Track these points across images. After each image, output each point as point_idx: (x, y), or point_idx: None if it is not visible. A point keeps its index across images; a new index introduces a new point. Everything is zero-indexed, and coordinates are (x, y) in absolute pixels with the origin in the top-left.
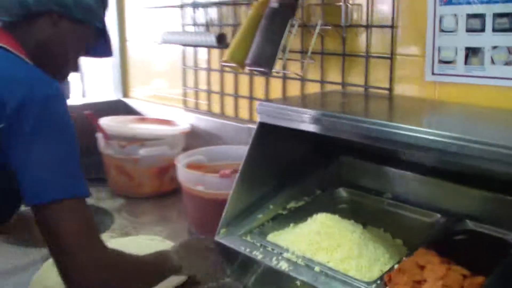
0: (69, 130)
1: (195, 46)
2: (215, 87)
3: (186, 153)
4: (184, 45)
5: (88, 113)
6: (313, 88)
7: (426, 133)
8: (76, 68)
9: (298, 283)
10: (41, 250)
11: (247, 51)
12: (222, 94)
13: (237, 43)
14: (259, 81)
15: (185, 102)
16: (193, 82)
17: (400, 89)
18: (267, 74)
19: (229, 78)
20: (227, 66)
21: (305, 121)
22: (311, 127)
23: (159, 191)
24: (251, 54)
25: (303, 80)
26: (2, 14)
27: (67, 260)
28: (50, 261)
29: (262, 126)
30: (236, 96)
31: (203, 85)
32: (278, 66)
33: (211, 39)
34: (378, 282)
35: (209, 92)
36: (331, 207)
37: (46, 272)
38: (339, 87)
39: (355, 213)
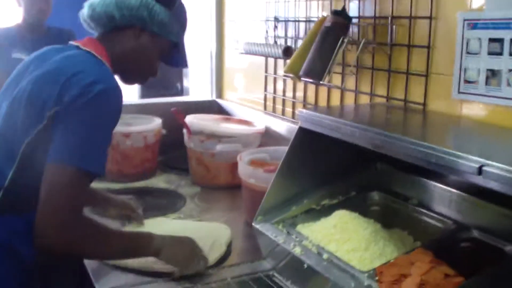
0: (107, 120)
1: (267, 56)
2: (288, 93)
3: (251, 150)
4: (258, 55)
5: (174, 110)
6: (360, 99)
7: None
8: (154, 73)
9: (305, 265)
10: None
11: (303, 63)
12: (293, 100)
13: (296, 56)
14: (322, 89)
15: (265, 106)
16: (272, 88)
17: (433, 105)
18: (318, 84)
19: (300, 86)
20: (287, 76)
21: (341, 131)
22: (347, 138)
23: (231, 183)
24: (304, 66)
25: (344, 90)
26: (96, 27)
27: (40, 217)
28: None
29: (302, 130)
30: (304, 103)
31: (280, 91)
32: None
33: (278, 51)
34: (371, 272)
35: (283, 97)
36: (363, 208)
37: None
38: (383, 100)
39: (384, 215)
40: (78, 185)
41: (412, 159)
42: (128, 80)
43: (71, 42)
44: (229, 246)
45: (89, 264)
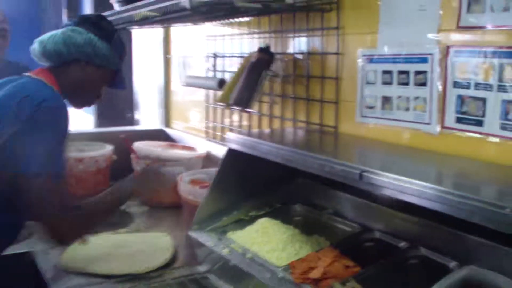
0: (60, 131)
1: (204, 88)
2: (227, 121)
3: (191, 172)
4: (197, 87)
5: (123, 136)
6: (286, 124)
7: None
8: (99, 97)
9: (230, 263)
10: None
11: (232, 94)
12: (230, 127)
13: (227, 87)
14: (254, 117)
15: (206, 133)
16: (211, 117)
17: (343, 128)
18: (244, 112)
19: (237, 114)
20: (219, 105)
21: (260, 150)
22: (264, 155)
23: (176, 203)
24: (233, 96)
25: (271, 116)
26: (46, 61)
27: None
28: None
29: (230, 151)
30: (239, 129)
31: (219, 120)
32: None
33: (213, 83)
34: (286, 266)
35: (222, 125)
36: (287, 218)
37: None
38: (303, 124)
39: (305, 223)
40: (57, 185)
41: (313, 169)
42: (77, 105)
43: (25, 73)
44: (174, 254)
45: (45, 269)
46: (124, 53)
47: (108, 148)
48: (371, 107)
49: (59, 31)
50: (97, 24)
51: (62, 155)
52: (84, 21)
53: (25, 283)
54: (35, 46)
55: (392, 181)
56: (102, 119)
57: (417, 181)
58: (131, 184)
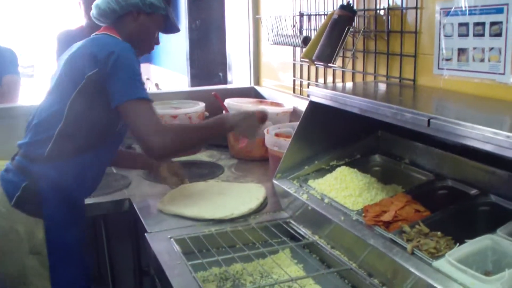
0: (134, 67)
1: (290, 45)
2: (312, 77)
3: (277, 125)
4: (283, 45)
5: (214, 93)
6: (367, 79)
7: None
8: (157, 43)
9: (309, 208)
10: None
11: (315, 51)
12: (316, 83)
13: (310, 44)
14: (339, 73)
15: (293, 89)
16: (298, 74)
17: (421, 80)
18: (327, 67)
19: (325, 71)
20: (304, 61)
21: (341, 102)
22: (342, 106)
23: (264, 156)
24: (316, 52)
25: (353, 71)
26: (105, 20)
27: (149, 136)
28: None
29: (311, 103)
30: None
31: (305, 76)
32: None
33: (298, 41)
34: (359, 210)
35: (308, 81)
36: (366, 168)
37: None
38: (384, 78)
39: (383, 173)
40: (148, 109)
41: (386, 118)
42: (139, 53)
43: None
44: (265, 200)
45: (142, 213)
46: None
47: (201, 105)
48: (448, 60)
49: None
50: None
51: (142, 86)
52: None
53: (124, 227)
54: (93, 10)
55: (460, 127)
56: (196, 79)
57: (485, 128)
58: (238, 121)
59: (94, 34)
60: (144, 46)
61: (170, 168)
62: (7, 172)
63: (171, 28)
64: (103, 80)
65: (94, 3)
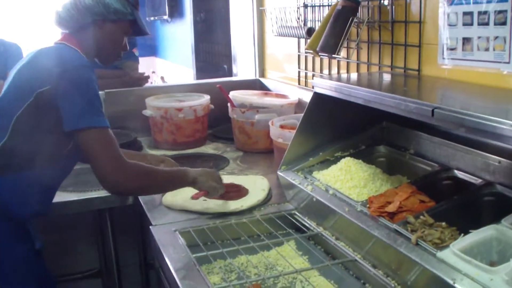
0: (92, 88)
1: (295, 37)
2: (317, 68)
3: (282, 117)
4: (288, 36)
5: (219, 86)
6: (371, 68)
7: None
8: (124, 49)
9: (314, 199)
10: None
11: (319, 42)
12: (321, 74)
13: (315, 35)
14: (343, 63)
15: (298, 81)
16: (303, 65)
17: (425, 70)
18: (332, 58)
19: (330, 62)
20: (308, 52)
21: (345, 93)
22: (349, 98)
23: (269, 148)
24: (320, 43)
25: (358, 62)
26: (65, 28)
27: (98, 170)
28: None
29: (316, 94)
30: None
31: (310, 68)
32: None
33: (303, 32)
34: (364, 201)
35: (313, 73)
36: (371, 159)
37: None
38: (388, 69)
39: (388, 164)
40: (107, 139)
41: (390, 108)
42: (105, 61)
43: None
44: (269, 191)
45: (148, 207)
46: (136, 2)
47: (206, 98)
48: (452, 49)
49: None
50: None
51: (98, 110)
52: None
53: (130, 221)
54: (52, 16)
55: (464, 117)
56: (201, 72)
57: (490, 117)
58: (199, 176)
59: (53, 42)
60: (111, 55)
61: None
62: None
63: (139, 31)
64: (55, 100)
65: (54, 10)
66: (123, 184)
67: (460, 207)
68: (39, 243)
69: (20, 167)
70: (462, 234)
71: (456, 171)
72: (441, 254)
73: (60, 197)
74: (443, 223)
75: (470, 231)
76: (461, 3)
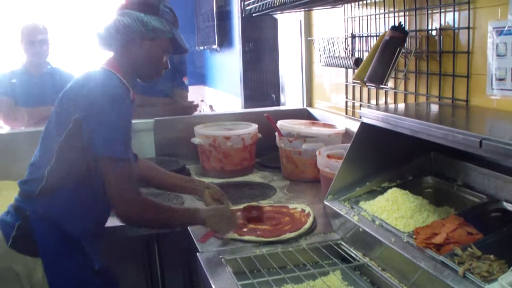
0: (120, 120)
1: (342, 67)
2: (364, 98)
3: (329, 147)
4: (335, 66)
5: (267, 115)
6: (419, 99)
7: (461, 133)
8: (166, 67)
9: (360, 229)
10: None
11: (367, 72)
12: (368, 104)
13: (362, 66)
14: (391, 94)
15: (346, 110)
16: (350, 95)
17: (474, 101)
18: (379, 88)
19: (376, 92)
20: (356, 82)
21: (392, 124)
22: (397, 128)
23: (316, 177)
24: (368, 73)
25: (405, 92)
26: (108, 49)
27: (113, 198)
28: None
29: (363, 124)
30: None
31: (357, 98)
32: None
33: (350, 62)
34: (411, 232)
35: (360, 103)
36: (418, 190)
37: None
38: (436, 99)
39: (436, 195)
40: (128, 172)
41: (437, 139)
42: (146, 79)
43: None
44: (314, 220)
45: (193, 231)
46: (175, 20)
47: (254, 127)
48: (501, 79)
49: (112, 18)
50: (142, 2)
51: (124, 140)
52: (132, 3)
53: (177, 247)
54: (95, 38)
55: None
56: (249, 101)
57: None
58: (210, 216)
59: (99, 66)
60: (151, 72)
61: (213, 194)
62: (6, 214)
63: (178, 49)
64: (88, 125)
65: (96, 31)
66: (130, 216)
67: (509, 239)
68: (98, 264)
69: (68, 187)
70: (511, 268)
71: (505, 203)
72: (489, 287)
73: (110, 222)
74: (491, 256)
75: None
76: (510, 34)
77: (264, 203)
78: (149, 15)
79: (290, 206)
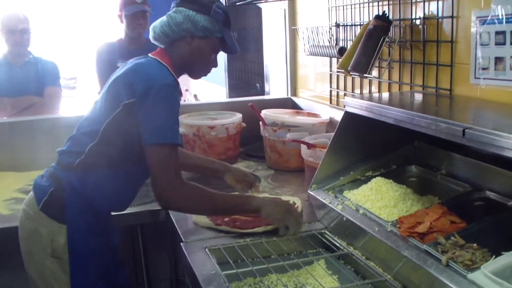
0: (172, 107)
1: (326, 56)
2: (349, 87)
3: (313, 136)
4: (319, 55)
5: (251, 104)
6: (403, 88)
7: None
8: (214, 65)
9: (344, 219)
10: None
11: (351, 61)
12: (351, 93)
13: (346, 55)
14: (375, 82)
15: (330, 100)
16: (334, 84)
17: (457, 89)
18: (363, 77)
19: (361, 81)
20: (340, 71)
21: (376, 113)
22: (380, 117)
23: (301, 167)
24: (351, 62)
25: (389, 81)
26: (160, 43)
27: (156, 185)
28: None
29: (347, 114)
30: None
31: (341, 87)
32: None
33: (334, 51)
34: (394, 221)
35: (344, 92)
36: (402, 178)
37: None
38: (420, 88)
39: (420, 184)
40: (172, 157)
41: (421, 128)
42: (195, 75)
43: (148, 54)
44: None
45: (179, 224)
46: (227, 21)
47: (238, 116)
48: (484, 69)
49: (166, 14)
50: (195, 1)
51: (176, 127)
52: (184, 1)
53: (161, 237)
54: (150, 33)
55: (496, 137)
56: (234, 90)
57: None
58: (265, 204)
59: (149, 54)
60: (200, 70)
61: (236, 176)
62: (41, 178)
63: (228, 49)
64: (137, 112)
65: (151, 26)
66: (177, 203)
67: (492, 228)
68: (113, 242)
69: (105, 166)
70: (494, 256)
71: (488, 192)
72: (472, 275)
73: None
74: (474, 245)
75: (502, 253)
76: (494, 23)
77: (249, 193)
78: (200, 14)
79: (284, 198)
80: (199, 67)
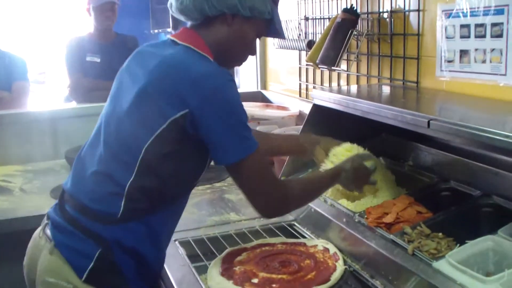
0: (238, 107)
1: (295, 49)
2: (318, 81)
3: (282, 129)
4: (288, 49)
5: None
6: (371, 81)
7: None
8: (253, 53)
9: (312, 210)
10: None
11: (319, 54)
12: (321, 87)
13: (315, 48)
14: (343, 75)
15: (299, 93)
16: (304, 77)
17: (424, 82)
18: (332, 70)
19: (330, 74)
20: (309, 65)
21: (343, 105)
22: (347, 110)
23: (270, 159)
24: (320, 55)
25: (357, 74)
26: (185, 18)
27: (257, 201)
28: None
29: (315, 106)
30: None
31: (310, 80)
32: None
33: (303, 44)
34: (362, 212)
35: (313, 85)
36: None
37: None
38: (387, 81)
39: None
40: (260, 165)
41: (387, 119)
42: (229, 64)
43: (168, 36)
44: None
45: None
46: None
47: None
48: (450, 61)
49: None
50: None
51: (247, 134)
52: None
53: None
54: (173, 3)
55: (460, 128)
56: None
57: (486, 128)
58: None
59: (169, 37)
60: (236, 57)
61: (327, 150)
62: (70, 236)
63: (274, 31)
64: (196, 125)
65: None
66: (285, 209)
67: (457, 218)
68: None
69: (154, 206)
70: (458, 245)
71: (453, 182)
72: (437, 264)
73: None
74: (440, 234)
75: (467, 241)
76: (459, 16)
77: (218, 185)
78: None
79: (309, 243)
80: (237, 55)
